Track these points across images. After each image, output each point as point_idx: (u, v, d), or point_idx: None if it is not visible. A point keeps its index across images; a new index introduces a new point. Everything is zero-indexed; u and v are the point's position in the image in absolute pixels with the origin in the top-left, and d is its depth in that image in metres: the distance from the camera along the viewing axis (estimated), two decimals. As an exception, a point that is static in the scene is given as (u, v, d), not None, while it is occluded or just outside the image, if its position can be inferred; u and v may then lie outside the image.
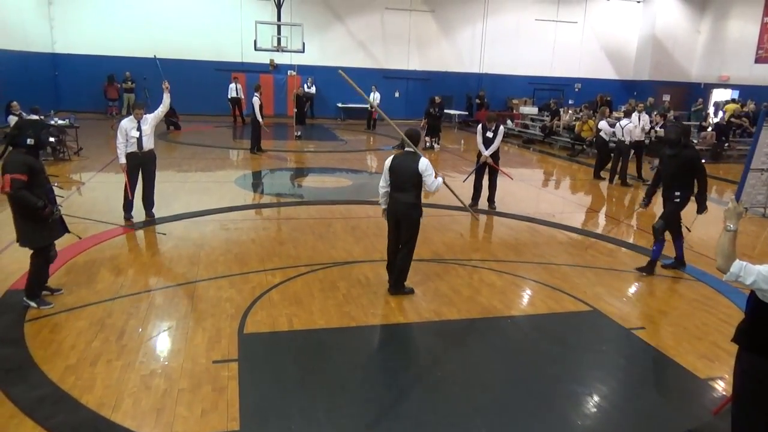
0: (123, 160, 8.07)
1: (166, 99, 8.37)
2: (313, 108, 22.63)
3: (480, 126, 9.91)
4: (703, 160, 7.37)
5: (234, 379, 4.24)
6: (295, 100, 18.06)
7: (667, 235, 6.93)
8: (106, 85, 21.08)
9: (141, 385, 4.12)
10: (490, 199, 9.94)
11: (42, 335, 4.77)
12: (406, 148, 5.80)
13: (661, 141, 12.43)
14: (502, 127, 9.81)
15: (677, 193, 6.72)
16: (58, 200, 5.46)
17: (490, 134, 9.64)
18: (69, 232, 5.51)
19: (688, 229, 7.07)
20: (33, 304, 5.25)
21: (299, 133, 18.00)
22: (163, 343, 4.81)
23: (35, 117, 10.99)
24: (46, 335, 4.78)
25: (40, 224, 5.05)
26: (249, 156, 14.56)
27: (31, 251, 5.24)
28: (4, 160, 4.99)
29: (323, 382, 4.31)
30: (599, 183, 12.95)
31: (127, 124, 8.05)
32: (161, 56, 21.18)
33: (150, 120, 8.15)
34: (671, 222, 6.85)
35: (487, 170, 9.89)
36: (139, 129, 8.06)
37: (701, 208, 6.83)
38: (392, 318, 5.47)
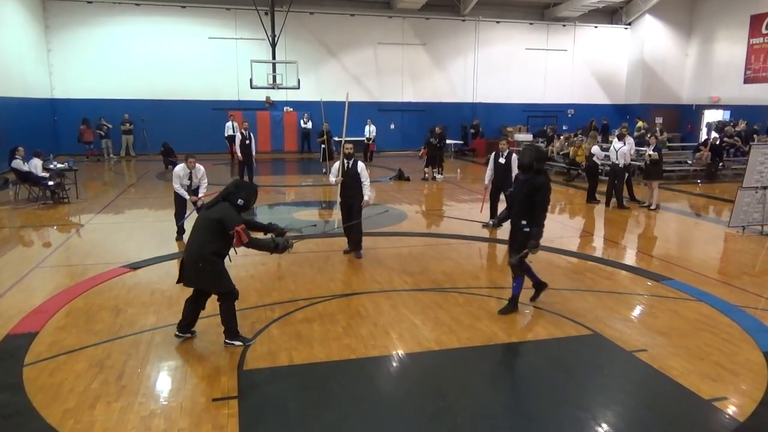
0: (184, 193, 9.18)
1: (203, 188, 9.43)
2: (310, 143, 22.85)
3: (492, 154, 10.39)
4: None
5: (234, 417, 4.21)
6: (322, 135, 17.70)
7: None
8: (83, 128, 20.62)
9: (141, 427, 4.08)
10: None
11: (41, 379, 4.75)
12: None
13: (655, 164, 12.52)
14: (515, 155, 10.06)
15: (524, 222, 6.03)
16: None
17: (502, 160, 10.15)
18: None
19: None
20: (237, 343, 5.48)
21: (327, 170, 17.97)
22: (162, 382, 4.78)
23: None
24: (45, 379, 4.75)
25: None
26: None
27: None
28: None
29: (324, 416, 4.28)
30: (594, 207, 13.01)
31: (181, 171, 9.11)
32: (158, 97, 21.75)
33: (203, 173, 9.34)
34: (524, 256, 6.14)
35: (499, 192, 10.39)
36: (190, 178, 9.10)
37: (531, 244, 5.90)
38: (392, 349, 5.45)
